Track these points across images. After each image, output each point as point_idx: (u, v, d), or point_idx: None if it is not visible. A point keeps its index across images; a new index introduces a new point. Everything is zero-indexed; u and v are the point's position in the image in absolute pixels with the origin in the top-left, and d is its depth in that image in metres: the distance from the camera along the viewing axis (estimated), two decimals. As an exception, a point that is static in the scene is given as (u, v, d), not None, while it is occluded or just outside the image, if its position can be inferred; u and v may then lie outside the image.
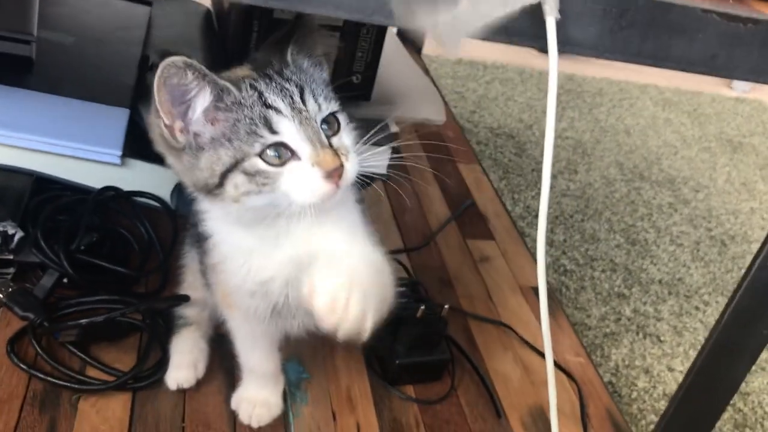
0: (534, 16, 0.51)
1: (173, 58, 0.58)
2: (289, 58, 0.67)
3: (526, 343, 1.06)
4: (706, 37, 0.54)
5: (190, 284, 0.91)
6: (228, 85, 0.62)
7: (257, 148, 0.61)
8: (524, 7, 0.49)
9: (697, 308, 1.61)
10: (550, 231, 1.75)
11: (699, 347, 1.50)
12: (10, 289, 0.89)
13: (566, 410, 0.97)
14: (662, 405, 1.34)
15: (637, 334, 1.50)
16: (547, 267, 1.48)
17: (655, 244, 1.81)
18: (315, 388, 0.90)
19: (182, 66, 0.59)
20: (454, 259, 1.20)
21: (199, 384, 0.86)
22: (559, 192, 1.93)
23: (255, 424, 0.83)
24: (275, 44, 0.69)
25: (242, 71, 0.66)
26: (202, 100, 0.61)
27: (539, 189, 2.15)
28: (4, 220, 0.89)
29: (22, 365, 0.82)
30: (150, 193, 1.04)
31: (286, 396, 0.87)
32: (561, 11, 0.50)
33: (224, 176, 0.62)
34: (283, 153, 0.62)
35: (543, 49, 0.51)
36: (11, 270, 0.91)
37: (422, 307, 0.90)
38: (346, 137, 0.66)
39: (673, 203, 2.01)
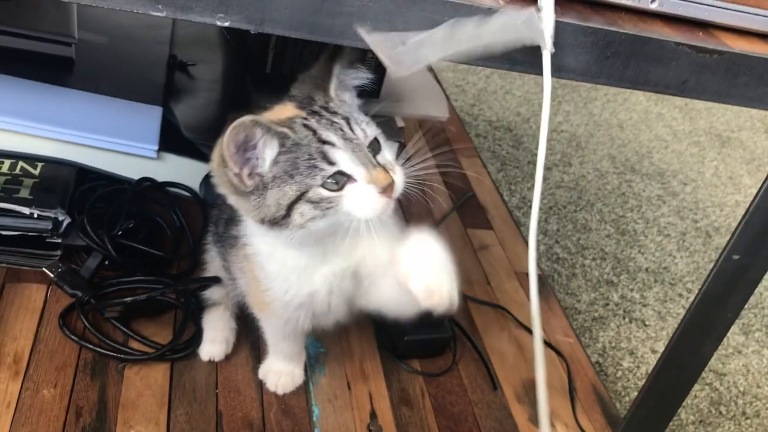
0: (533, 48, 0.61)
1: (243, 119, 0.66)
2: (333, 93, 0.76)
3: (520, 324, 1.16)
4: (678, 65, 0.64)
5: (214, 273, 1.01)
6: (287, 131, 0.70)
7: (319, 180, 0.69)
8: (524, 45, 0.59)
9: (680, 295, 1.72)
10: (544, 221, 1.85)
11: (680, 331, 1.62)
12: (60, 270, 0.99)
13: (556, 384, 1.08)
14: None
15: (624, 318, 1.61)
16: (541, 255, 1.60)
17: (643, 234, 1.91)
18: (332, 361, 1.01)
19: (250, 125, 0.67)
20: (455, 247, 1.29)
21: (228, 356, 0.97)
22: (553, 183, 2.03)
23: (280, 392, 0.94)
24: (312, 77, 0.77)
25: (289, 110, 0.74)
26: (271, 150, 0.69)
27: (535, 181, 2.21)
28: (54, 207, 0.99)
29: (73, 337, 0.93)
30: (181, 184, 1.14)
31: (307, 367, 0.98)
32: (557, 44, 0.60)
33: (290, 208, 0.70)
34: (340, 179, 0.70)
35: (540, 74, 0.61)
36: (58, 252, 1.01)
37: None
38: (388, 153, 0.75)
39: (662, 195, 2.12)
